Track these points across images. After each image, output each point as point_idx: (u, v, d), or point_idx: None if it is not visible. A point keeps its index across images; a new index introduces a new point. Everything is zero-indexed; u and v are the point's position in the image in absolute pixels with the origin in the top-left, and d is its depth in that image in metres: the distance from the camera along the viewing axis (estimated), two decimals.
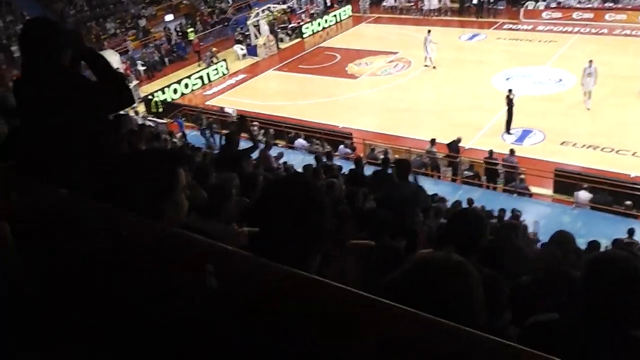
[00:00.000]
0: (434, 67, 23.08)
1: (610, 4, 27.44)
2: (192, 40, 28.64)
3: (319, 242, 1.71)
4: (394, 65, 24.37)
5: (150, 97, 22.64)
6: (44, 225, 1.68)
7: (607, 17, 26.87)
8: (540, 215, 12.20)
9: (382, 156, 14.39)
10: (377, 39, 27.56)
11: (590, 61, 18.27)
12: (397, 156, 15.29)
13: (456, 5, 31.15)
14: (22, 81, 2.87)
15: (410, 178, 6.92)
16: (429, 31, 23.42)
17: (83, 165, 2.64)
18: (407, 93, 21.54)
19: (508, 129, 17.45)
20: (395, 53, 25.14)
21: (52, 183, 1.95)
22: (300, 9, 33.30)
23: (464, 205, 10.51)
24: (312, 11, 33.08)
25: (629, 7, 26.99)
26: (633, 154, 15.67)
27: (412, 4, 32.04)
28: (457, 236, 3.03)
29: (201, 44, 28.68)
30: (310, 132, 18.02)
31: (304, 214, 1.66)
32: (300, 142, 17.32)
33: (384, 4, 33.29)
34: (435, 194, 10.41)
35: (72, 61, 2.80)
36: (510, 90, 17.42)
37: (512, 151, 14.83)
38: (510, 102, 17.11)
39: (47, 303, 1.56)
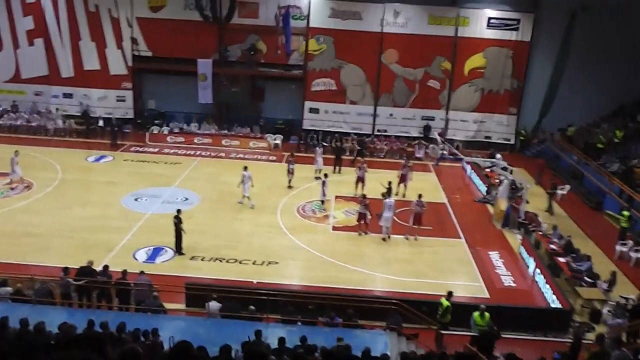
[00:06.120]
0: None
1: (225, 132, 30.96)
2: None
3: None
4: (12, 188, 22.48)
5: None
6: None
7: (223, 142, 30.20)
8: (176, 330, 12.35)
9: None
10: None
11: (245, 167, 22.08)
12: (19, 285, 13.83)
13: (82, 127, 30.99)
14: None
15: None
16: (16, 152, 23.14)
17: None
18: (29, 216, 19.96)
19: (179, 249, 17.74)
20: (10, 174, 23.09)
21: None
22: None
23: None
24: None
25: (241, 134, 30.91)
26: (253, 263, 17.42)
27: (36, 124, 30.72)
28: None
29: None
30: None
31: None
32: None
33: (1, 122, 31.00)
34: None
35: None
36: (178, 211, 17.85)
37: (142, 272, 14.78)
38: (177, 223, 17.59)
39: None
